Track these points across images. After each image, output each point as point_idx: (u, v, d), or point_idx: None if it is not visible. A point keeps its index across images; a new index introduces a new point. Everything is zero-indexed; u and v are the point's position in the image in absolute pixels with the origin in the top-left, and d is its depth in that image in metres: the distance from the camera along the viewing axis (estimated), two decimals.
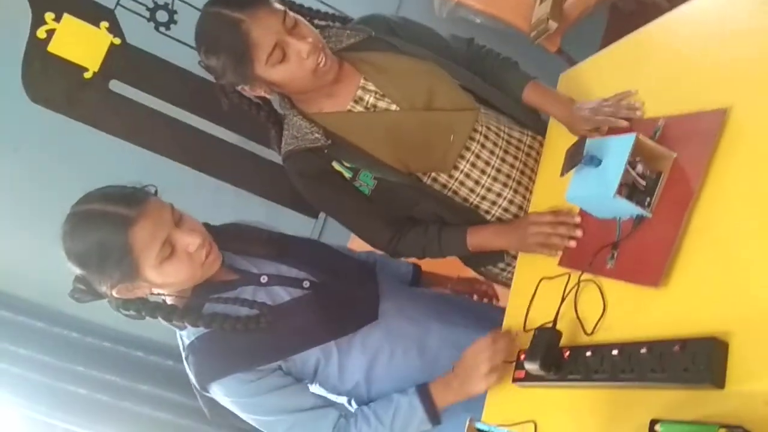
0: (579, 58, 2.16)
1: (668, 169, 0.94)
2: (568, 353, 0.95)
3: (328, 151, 1.21)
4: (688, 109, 0.96)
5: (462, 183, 1.27)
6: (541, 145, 1.35)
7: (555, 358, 0.96)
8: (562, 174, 1.03)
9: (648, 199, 0.94)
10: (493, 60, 1.33)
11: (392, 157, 1.22)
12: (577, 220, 1.09)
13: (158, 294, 1.11)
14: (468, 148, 1.25)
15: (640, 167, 0.94)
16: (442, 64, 1.26)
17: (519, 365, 1.05)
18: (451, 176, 1.27)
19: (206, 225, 1.16)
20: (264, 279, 1.17)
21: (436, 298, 1.41)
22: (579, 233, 1.08)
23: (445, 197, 1.27)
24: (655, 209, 0.94)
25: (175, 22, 2.32)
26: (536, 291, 1.13)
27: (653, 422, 0.76)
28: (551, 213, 1.14)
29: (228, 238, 1.21)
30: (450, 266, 1.49)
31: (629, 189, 0.95)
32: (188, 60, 2.11)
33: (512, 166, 1.29)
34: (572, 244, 1.09)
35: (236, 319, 1.09)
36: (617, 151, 0.94)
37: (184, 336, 1.15)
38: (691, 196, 0.87)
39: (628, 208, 0.95)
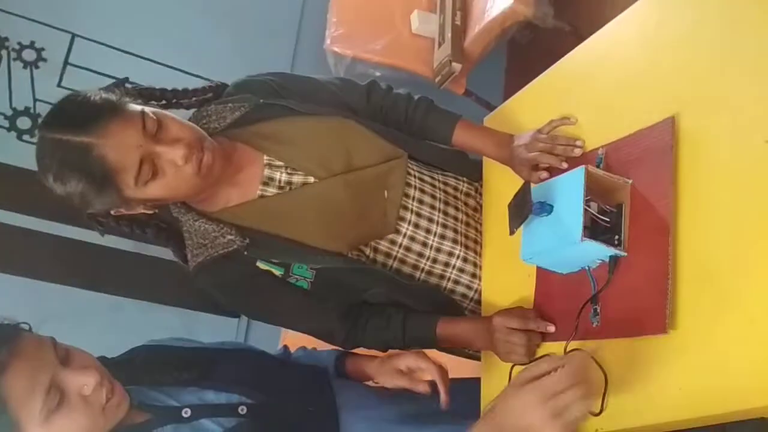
0: (487, 96, 2.12)
1: (628, 198, 0.84)
2: None
3: (249, 253, 1.00)
4: (627, 131, 0.88)
5: (408, 249, 1.10)
6: (478, 192, 1.20)
7: None
8: (511, 232, 0.90)
9: (617, 236, 0.83)
10: (407, 105, 1.14)
11: (326, 237, 1.03)
12: (551, 329, 0.93)
13: None
14: (405, 207, 1.09)
15: (595, 205, 0.83)
16: (347, 116, 1.08)
17: None
18: (393, 243, 1.09)
19: (102, 359, 0.95)
20: (186, 413, 0.93)
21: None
22: (551, 329, 0.92)
23: (394, 274, 1.07)
24: (628, 246, 0.82)
25: None
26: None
27: None
28: (518, 316, 0.95)
29: (134, 369, 0.98)
30: None
31: (590, 231, 0.82)
32: None
33: (456, 219, 1.14)
34: (551, 329, 0.93)
35: None
36: (569, 189, 0.83)
37: None
38: (668, 218, 0.78)
39: (598, 252, 0.84)
